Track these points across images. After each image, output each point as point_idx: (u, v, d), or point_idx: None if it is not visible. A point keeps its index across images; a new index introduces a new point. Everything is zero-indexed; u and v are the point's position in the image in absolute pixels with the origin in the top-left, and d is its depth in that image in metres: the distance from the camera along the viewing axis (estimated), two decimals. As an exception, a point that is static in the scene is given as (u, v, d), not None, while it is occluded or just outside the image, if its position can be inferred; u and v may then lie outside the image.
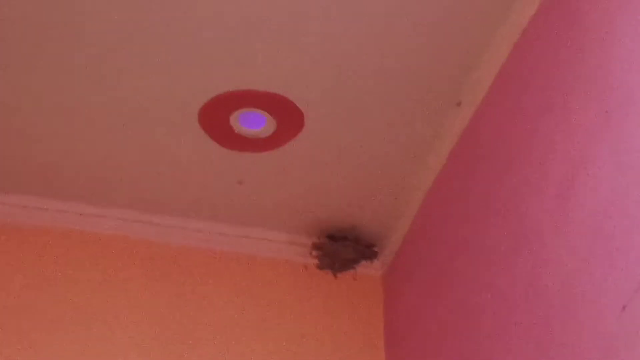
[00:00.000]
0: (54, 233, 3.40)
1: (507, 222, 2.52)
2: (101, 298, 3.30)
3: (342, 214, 3.48)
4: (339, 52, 2.81)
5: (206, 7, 2.67)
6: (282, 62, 2.85)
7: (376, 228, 3.53)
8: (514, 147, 2.59)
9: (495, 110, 2.78)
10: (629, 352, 1.83)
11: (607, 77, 2.13)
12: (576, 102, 2.26)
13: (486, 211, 2.71)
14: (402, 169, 3.24)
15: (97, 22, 2.72)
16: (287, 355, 3.36)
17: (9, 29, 2.73)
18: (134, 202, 3.41)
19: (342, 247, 3.55)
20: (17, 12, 2.67)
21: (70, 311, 3.25)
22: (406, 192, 3.33)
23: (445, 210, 3.08)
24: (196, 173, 3.28)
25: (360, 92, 2.95)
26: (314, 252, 3.56)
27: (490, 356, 2.52)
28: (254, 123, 3.07)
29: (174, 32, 2.75)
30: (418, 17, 2.69)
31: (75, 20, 2.71)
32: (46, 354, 3.14)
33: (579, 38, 2.32)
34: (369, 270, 3.62)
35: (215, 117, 3.03)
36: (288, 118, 3.03)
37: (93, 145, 3.16)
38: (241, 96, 2.96)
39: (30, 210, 3.40)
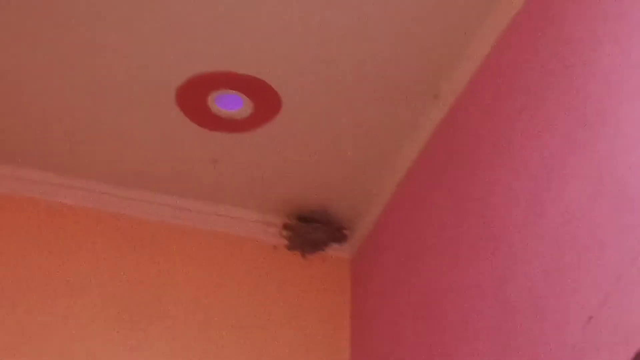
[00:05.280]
0: (22, 202, 3.36)
1: (478, 222, 2.54)
2: (67, 270, 3.27)
3: (314, 196, 3.48)
4: (319, 38, 2.81)
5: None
6: (263, 45, 2.84)
7: (348, 212, 3.53)
8: (489, 145, 2.60)
9: (473, 106, 2.79)
10: (592, 364, 1.86)
11: (587, 86, 2.14)
12: (555, 108, 2.27)
13: (458, 207, 2.72)
14: (377, 155, 3.25)
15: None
16: (252, 334, 3.37)
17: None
18: (106, 175, 3.37)
19: (312, 229, 3.55)
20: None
21: (35, 282, 3.22)
22: (380, 179, 3.34)
23: (417, 201, 3.09)
24: (170, 150, 3.26)
25: (338, 79, 2.95)
26: (284, 233, 3.56)
27: (453, 351, 2.55)
28: (231, 104, 3.06)
29: (155, 11, 2.73)
30: (400, 7, 2.70)
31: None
32: (9, 325, 3.12)
33: (561, 43, 2.33)
34: (338, 253, 3.62)
35: (193, 97, 3.02)
36: (265, 101, 3.03)
37: (68, 117, 3.13)
38: (220, 77, 2.95)
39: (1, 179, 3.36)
